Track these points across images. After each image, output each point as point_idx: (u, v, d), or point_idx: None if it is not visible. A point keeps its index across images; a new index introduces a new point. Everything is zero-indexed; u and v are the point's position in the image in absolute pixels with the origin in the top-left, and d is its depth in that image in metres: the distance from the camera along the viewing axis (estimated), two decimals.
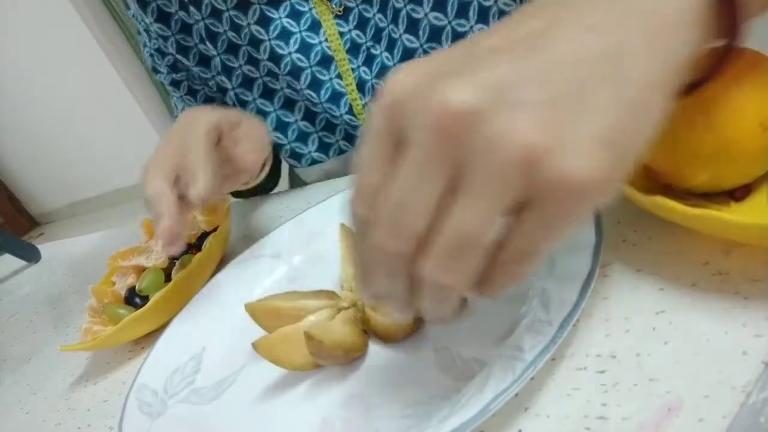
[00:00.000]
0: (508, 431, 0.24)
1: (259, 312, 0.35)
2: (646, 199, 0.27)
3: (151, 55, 0.60)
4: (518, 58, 0.17)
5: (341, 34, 0.49)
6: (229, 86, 0.55)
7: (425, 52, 0.47)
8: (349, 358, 0.32)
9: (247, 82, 0.54)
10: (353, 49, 0.50)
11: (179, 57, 0.57)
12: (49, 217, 4.03)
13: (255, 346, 0.32)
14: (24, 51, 3.10)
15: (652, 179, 0.31)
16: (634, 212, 0.32)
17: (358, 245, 0.21)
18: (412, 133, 0.18)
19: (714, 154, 0.27)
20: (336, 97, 0.52)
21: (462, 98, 0.16)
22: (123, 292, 0.50)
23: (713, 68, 0.22)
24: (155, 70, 0.63)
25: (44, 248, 0.89)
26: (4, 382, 0.53)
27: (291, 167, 0.75)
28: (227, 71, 0.54)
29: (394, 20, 0.47)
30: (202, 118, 0.43)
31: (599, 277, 0.29)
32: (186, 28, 0.54)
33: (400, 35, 0.47)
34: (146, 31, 0.57)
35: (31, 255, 0.86)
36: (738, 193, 0.29)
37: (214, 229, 0.49)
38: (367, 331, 0.33)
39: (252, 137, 0.46)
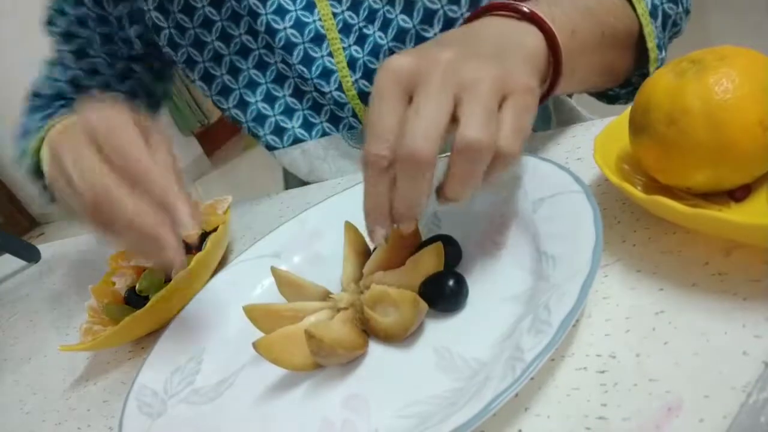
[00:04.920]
0: (508, 431, 0.24)
1: (257, 313, 0.35)
2: (646, 199, 0.27)
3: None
4: (460, 45, 0.31)
5: (334, 14, 0.52)
6: (226, 52, 0.56)
7: (417, 32, 0.50)
8: (350, 356, 0.32)
9: (244, 51, 0.56)
10: (345, 28, 0.52)
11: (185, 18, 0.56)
12: (49, 217, 4.03)
13: (255, 345, 0.32)
14: (24, 51, 3.10)
15: (652, 179, 0.31)
16: (634, 212, 0.32)
17: (371, 186, 0.29)
18: (422, 80, 0.28)
19: (714, 154, 0.27)
20: (326, 73, 0.54)
21: (448, 55, 0.29)
22: (123, 292, 0.50)
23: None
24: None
25: (44, 248, 0.89)
26: (4, 382, 0.53)
27: (284, 169, 0.75)
28: (225, 38, 0.55)
29: (390, 2, 0.50)
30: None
31: (599, 277, 0.29)
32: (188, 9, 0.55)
33: (396, 15, 0.50)
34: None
35: (31, 255, 0.86)
36: (738, 193, 0.29)
37: (214, 229, 0.49)
38: (367, 331, 0.33)
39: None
